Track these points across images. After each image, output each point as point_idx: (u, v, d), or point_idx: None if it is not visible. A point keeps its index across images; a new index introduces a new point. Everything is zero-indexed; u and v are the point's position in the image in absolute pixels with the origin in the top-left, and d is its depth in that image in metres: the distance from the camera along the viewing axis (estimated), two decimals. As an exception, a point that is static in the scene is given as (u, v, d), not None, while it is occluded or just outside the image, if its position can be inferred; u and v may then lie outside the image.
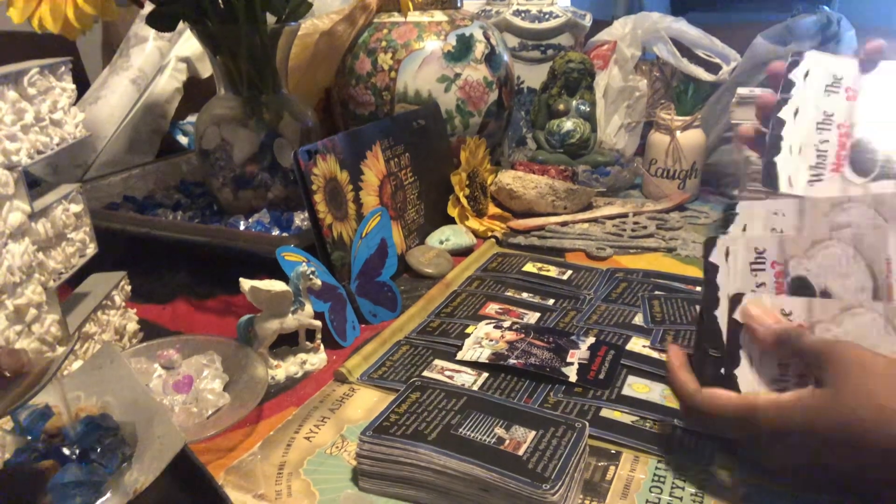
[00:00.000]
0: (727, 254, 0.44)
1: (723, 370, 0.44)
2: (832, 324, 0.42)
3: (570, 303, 0.70)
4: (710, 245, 0.45)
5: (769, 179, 0.46)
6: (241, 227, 0.77)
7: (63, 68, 0.52)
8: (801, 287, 0.43)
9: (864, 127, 0.45)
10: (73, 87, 0.53)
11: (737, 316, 0.44)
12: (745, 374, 0.43)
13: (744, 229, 0.46)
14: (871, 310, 0.41)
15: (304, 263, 0.59)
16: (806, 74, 0.46)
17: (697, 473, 0.46)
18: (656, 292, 0.71)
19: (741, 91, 0.88)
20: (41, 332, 0.48)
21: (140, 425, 0.38)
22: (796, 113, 0.46)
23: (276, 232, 0.78)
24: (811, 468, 0.42)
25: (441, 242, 0.83)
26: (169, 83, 0.99)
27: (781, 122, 0.46)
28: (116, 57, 1.01)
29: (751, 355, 0.44)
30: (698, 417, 0.45)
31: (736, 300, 0.44)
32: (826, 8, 1.05)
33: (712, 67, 1.16)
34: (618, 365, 0.57)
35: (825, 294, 0.42)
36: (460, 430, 0.45)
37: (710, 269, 0.45)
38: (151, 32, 1.00)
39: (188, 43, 1.01)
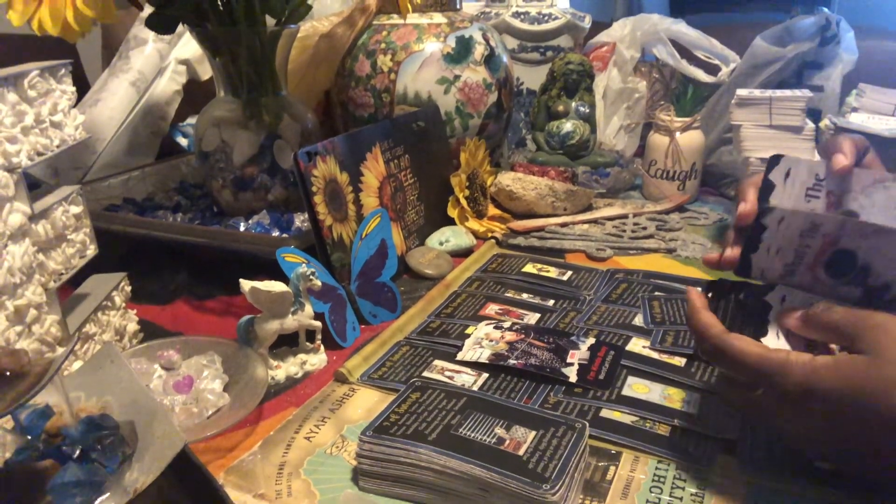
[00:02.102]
0: (787, 174, 0.44)
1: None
2: (857, 194, 0.43)
3: (570, 303, 0.70)
4: (773, 162, 0.45)
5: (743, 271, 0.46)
6: (241, 229, 0.77)
7: (63, 71, 0.52)
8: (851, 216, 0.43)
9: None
10: (73, 89, 0.53)
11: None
12: (772, 344, 0.43)
13: (786, 175, 0.45)
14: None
15: (303, 264, 0.59)
16: (787, 176, 0.45)
17: (697, 473, 0.46)
18: (656, 293, 0.71)
19: (740, 92, 0.88)
20: (41, 333, 0.48)
21: (140, 425, 0.38)
22: (780, 221, 0.44)
23: (275, 233, 0.78)
24: (826, 437, 0.41)
25: (441, 243, 0.83)
26: (168, 85, 1.00)
27: (763, 227, 0.45)
28: (116, 59, 1.01)
29: (778, 330, 0.44)
30: (718, 362, 0.44)
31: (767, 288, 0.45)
32: (825, 9, 1.06)
33: (711, 69, 1.16)
34: (618, 365, 0.57)
35: (877, 231, 0.42)
36: (460, 430, 0.45)
37: (767, 187, 0.44)
38: (151, 35, 1.00)
39: (188, 45, 1.01)
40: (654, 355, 0.59)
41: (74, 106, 0.53)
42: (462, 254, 0.83)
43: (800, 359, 0.40)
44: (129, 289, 0.61)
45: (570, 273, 0.77)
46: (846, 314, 0.41)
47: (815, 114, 0.98)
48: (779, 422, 0.43)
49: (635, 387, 0.55)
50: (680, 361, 0.58)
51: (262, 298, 0.56)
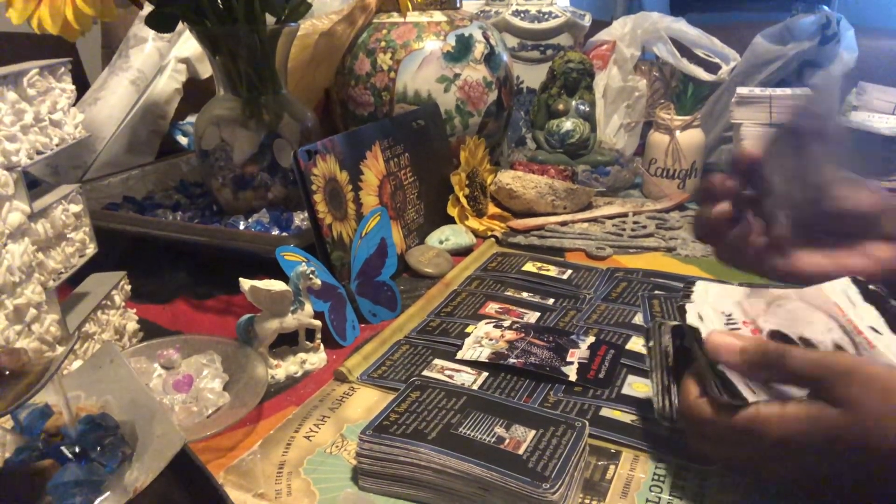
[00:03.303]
0: (701, 318, 0.44)
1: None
2: (766, 316, 0.43)
3: (569, 302, 0.70)
4: (682, 312, 0.45)
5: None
6: (241, 227, 0.77)
7: (62, 69, 0.52)
8: (780, 338, 0.42)
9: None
10: (73, 87, 0.53)
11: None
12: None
13: (701, 319, 0.44)
14: (797, 298, 0.43)
15: (303, 263, 0.59)
16: (700, 319, 0.44)
17: (697, 473, 0.46)
18: (656, 292, 0.71)
19: (740, 91, 0.88)
20: (41, 332, 0.48)
21: (140, 424, 0.38)
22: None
23: (275, 232, 0.78)
24: (806, 485, 0.40)
25: (441, 242, 0.83)
26: (168, 84, 0.99)
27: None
28: (116, 58, 1.01)
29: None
30: (700, 439, 0.42)
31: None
32: (825, 8, 1.06)
33: (712, 67, 1.16)
34: (617, 364, 0.57)
35: (805, 341, 0.41)
36: (460, 429, 0.45)
37: (692, 332, 0.43)
38: (151, 33, 1.00)
39: (187, 44, 1.01)
40: (654, 354, 0.59)
41: (74, 104, 0.53)
42: (462, 252, 0.83)
43: (769, 410, 0.38)
44: (128, 288, 0.61)
45: (569, 272, 0.77)
46: (808, 359, 0.38)
47: (815, 112, 0.98)
48: (757, 473, 0.42)
49: (635, 385, 0.55)
50: (680, 360, 0.58)
51: (261, 297, 0.56)
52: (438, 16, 0.97)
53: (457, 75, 0.95)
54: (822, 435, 0.37)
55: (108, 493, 0.35)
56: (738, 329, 0.43)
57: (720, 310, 0.45)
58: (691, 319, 0.44)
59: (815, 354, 0.39)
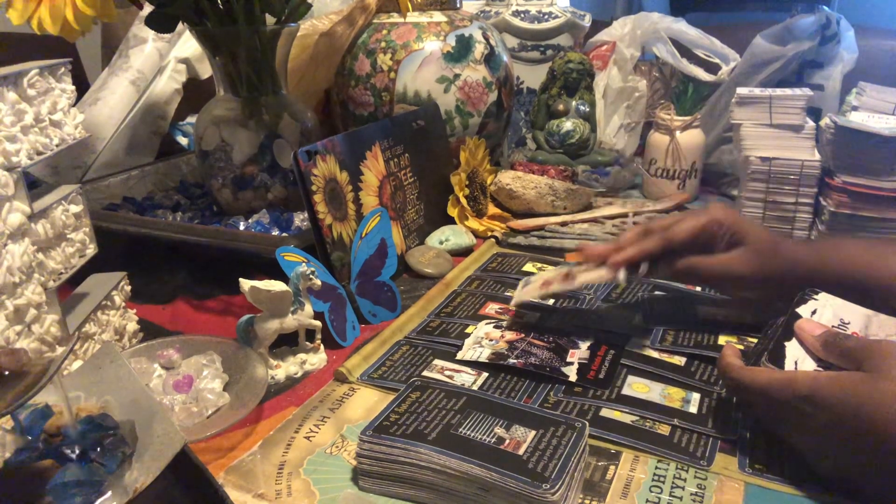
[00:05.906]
0: (813, 312, 0.49)
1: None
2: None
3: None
4: (800, 301, 0.50)
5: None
6: (241, 228, 0.77)
7: (62, 69, 0.52)
8: None
9: None
10: (73, 88, 0.53)
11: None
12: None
13: (813, 313, 0.49)
14: None
15: (303, 263, 0.59)
16: (813, 313, 0.49)
17: (697, 473, 0.46)
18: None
19: (740, 91, 0.88)
20: (41, 332, 0.48)
21: (140, 425, 0.38)
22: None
23: (275, 232, 0.78)
24: (826, 448, 0.43)
25: (441, 242, 0.83)
26: (168, 84, 0.99)
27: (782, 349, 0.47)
28: (116, 58, 1.01)
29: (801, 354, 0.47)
30: (737, 391, 0.49)
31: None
32: (825, 8, 1.06)
33: (712, 67, 1.16)
34: (618, 365, 0.57)
35: None
36: (460, 429, 0.45)
37: (794, 316, 0.49)
38: (151, 33, 1.00)
39: (187, 44, 1.01)
40: (654, 354, 0.59)
41: (74, 105, 0.53)
42: (462, 253, 0.83)
43: (805, 374, 0.44)
44: (128, 288, 0.61)
45: (570, 272, 0.77)
46: (859, 341, 0.44)
47: (815, 112, 0.98)
48: (783, 431, 0.46)
49: (635, 386, 0.55)
50: (680, 361, 0.58)
51: (261, 297, 0.56)
52: (438, 16, 0.97)
53: (457, 76, 0.95)
54: (846, 393, 0.41)
55: (108, 494, 0.35)
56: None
57: (840, 315, 0.48)
58: (802, 311, 0.49)
59: (866, 339, 0.45)
